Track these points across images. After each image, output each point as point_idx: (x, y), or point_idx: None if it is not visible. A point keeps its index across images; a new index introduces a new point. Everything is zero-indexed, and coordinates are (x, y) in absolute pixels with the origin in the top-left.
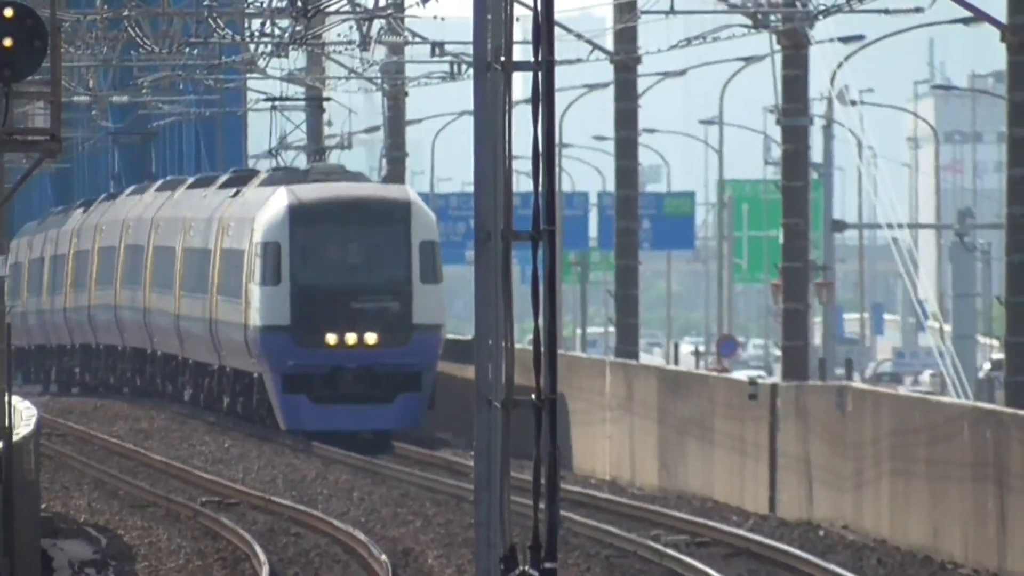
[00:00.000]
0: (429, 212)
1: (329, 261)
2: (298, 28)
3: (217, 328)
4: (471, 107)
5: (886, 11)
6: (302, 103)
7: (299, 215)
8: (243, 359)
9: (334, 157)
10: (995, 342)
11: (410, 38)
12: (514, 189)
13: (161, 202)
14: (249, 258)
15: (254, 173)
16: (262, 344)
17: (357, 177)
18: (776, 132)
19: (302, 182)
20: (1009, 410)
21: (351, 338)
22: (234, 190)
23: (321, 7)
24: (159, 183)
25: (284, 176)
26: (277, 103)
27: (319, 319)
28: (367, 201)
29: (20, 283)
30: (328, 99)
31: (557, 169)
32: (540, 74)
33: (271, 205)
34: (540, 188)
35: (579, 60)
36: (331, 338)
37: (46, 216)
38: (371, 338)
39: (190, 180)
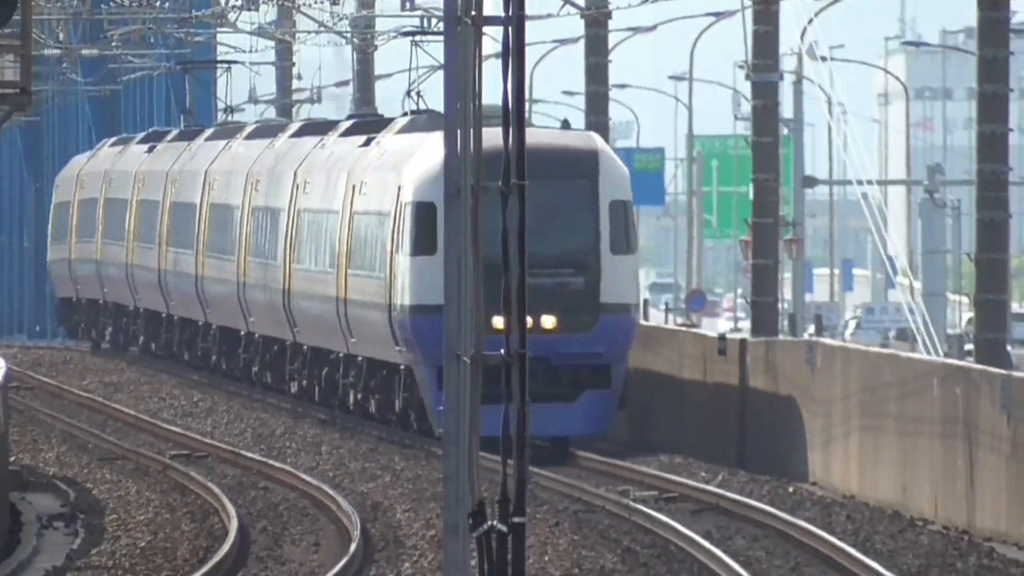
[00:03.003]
0: (621, 165)
1: (496, 225)
2: None
3: (347, 308)
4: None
5: None
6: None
7: None
8: (384, 347)
9: (304, 112)
10: (964, 299)
11: None
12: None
13: (258, 152)
14: (396, 223)
15: (384, 118)
16: (413, 329)
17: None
18: (746, 88)
19: None
20: (979, 366)
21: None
22: (364, 138)
23: None
24: (250, 127)
25: (429, 121)
26: (416, 38)
27: (485, 297)
28: (544, 150)
29: (68, 225)
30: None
31: (527, 124)
32: (510, 29)
33: (422, 157)
34: (510, 143)
35: (549, 15)
36: (499, 321)
37: (97, 149)
38: (549, 321)
39: (295, 125)
